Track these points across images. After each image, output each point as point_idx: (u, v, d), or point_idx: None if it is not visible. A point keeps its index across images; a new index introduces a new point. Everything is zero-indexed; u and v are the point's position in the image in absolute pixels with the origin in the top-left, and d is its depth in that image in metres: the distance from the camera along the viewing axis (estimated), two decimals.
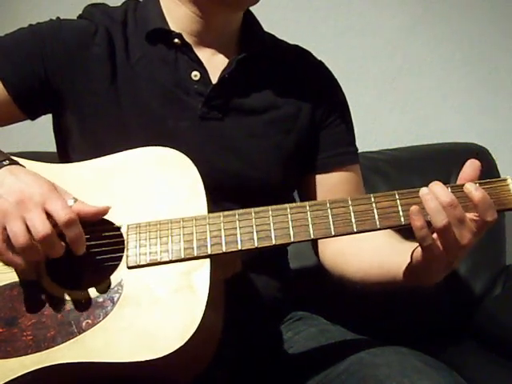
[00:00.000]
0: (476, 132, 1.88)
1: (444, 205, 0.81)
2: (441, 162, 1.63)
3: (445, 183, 0.85)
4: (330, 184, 1.11)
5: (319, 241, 1.12)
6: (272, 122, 1.07)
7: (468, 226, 0.82)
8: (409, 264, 0.89)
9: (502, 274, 1.62)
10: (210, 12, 1.03)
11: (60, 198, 0.83)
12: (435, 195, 0.82)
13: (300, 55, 1.16)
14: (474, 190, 0.82)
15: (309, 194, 1.13)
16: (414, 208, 0.82)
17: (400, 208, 0.85)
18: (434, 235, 0.82)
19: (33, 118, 1.06)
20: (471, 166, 0.85)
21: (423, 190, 0.83)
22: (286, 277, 1.15)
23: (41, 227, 0.80)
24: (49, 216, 0.81)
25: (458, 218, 0.81)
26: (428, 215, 0.82)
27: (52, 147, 1.12)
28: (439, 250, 0.83)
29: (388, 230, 0.90)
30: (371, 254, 1.01)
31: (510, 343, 1.44)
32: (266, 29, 1.14)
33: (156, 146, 0.93)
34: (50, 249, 0.82)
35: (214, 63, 1.05)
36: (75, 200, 0.86)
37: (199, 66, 1.04)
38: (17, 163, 0.90)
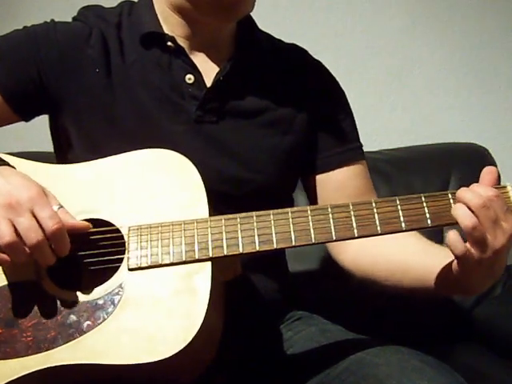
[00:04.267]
0: (476, 132, 1.89)
1: (476, 207, 0.81)
2: (441, 161, 1.63)
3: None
4: (339, 181, 1.10)
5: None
6: (268, 124, 1.07)
7: (501, 227, 0.82)
8: (448, 273, 0.89)
9: (502, 274, 1.61)
10: (200, 22, 1.03)
11: (48, 204, 0.83)
12: (463, 201, 0.83)
13: (297, 54, 1.15)
14: None
15: (318, 193, 1.12)
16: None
17: (401, 213, 0.86)
18: (467, 244, 0.82)
19: (27, 119, 1.06)
20: (489, 173, 0.86)
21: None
22: (285, 277, 1.15)
23: (33, 234, 0.80)
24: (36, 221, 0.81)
25: (491, 219, 0.81)
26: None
27: (50, 147, 1.12)
28: (473, 258, 0.83)
29: (415, 231, 0.90)
30: (400, 253, 1.00)
31: (510, 343, 1.44)
32: (265, 29, 1.14)
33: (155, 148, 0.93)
34: (40, 256, 0.82)
35: (209, 66, 1.05)
36: (60, 206, 0.85)
37: (193, 69, 1.03)
38: (7, 164, 0.90)
